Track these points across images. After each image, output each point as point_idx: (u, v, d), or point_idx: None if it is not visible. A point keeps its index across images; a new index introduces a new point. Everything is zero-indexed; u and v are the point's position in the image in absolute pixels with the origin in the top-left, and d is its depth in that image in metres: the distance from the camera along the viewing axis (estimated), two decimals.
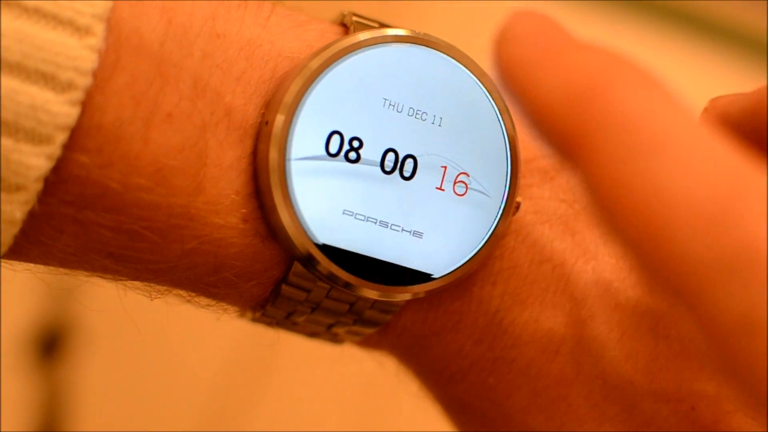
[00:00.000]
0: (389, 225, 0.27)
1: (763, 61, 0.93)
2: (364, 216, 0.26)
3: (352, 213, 0.26)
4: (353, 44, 0.27)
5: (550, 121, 0.19)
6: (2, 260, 0.24)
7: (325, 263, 0.26)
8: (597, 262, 0.28)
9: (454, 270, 0.27)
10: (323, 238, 0.26)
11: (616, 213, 0.17)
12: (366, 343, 0.30)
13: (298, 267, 0.26)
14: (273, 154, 0.25)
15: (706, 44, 0.98)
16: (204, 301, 0.28)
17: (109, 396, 0.80)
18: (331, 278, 0.26)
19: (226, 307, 0.29)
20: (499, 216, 0.28)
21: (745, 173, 0.17)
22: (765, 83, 0.25)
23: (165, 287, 0.27)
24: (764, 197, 0.16)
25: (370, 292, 0.27)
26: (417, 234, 0.27)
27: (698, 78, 0.96)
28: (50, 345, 0.78)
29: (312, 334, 0.30)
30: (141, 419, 0.79)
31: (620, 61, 0.19)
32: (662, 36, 0.98)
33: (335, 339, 0.30)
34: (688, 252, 0.16)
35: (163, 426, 0.76)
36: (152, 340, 0.77)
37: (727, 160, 0.17)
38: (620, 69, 0.18)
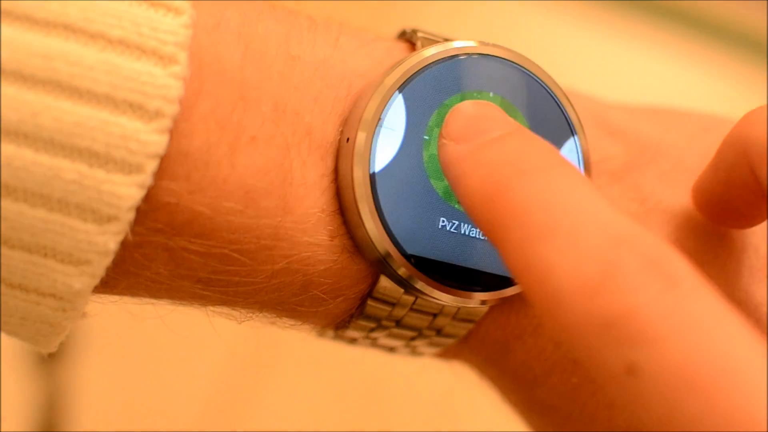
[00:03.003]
0: (475, 233, 0.27)
1: (763, 61, 0.93)
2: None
3: None
4: (423, 59, 0.27)
5: (474, 217, 0.22)
6: (91, 295, 0.24)
7: (415, 274, 0.26)
8: None
9: None
10: (411, 249, 0.26)
11: (525, 291, 0.21)
12: (445, 354, 0.31)
13: (384, 280, 0.27)
14: (357, 171, 0.26)
15: (706, 44, 0.98)
16: (288, 321, 0.28)
17: (109, 396, 0.80)
18: (419, 288, 0.27)
19: (309, 327, 0.29)
20: None
21: (625, 240, 0.20)
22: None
23: (251, 310, 0.27)
24: (641, 259, 0.19)
25: (456, 300, 0.27)
26: None
27: (698, 78, 0.96)
28: None
29: (391, 350, 0.31)
30: (141, 419, 0.79)
31: (524, 149, 0.22)
32: (662, 36, 0.98)
33: (414, 352, 0.31)
34: (574, 318, 0.19)
35: (162, 426, 0.76)
36: (152, 340, 0.77)
37: (609, 231, 0.20)
38: (523, 159, 0.22)
